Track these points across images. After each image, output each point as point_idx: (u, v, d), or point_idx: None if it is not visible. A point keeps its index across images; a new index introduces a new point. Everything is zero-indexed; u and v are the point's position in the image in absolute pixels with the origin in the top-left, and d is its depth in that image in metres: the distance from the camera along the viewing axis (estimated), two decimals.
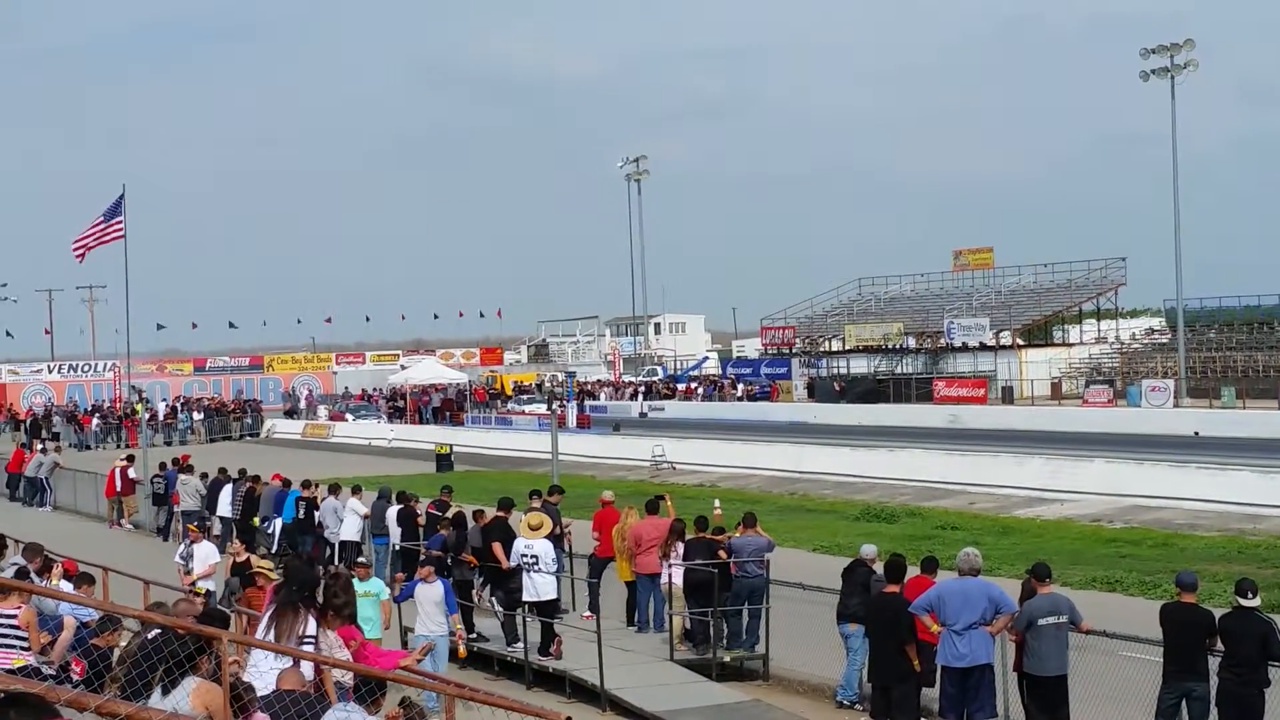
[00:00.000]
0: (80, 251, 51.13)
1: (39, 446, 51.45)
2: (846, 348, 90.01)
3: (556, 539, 21.58)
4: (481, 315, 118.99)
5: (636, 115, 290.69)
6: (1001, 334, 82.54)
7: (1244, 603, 13.83)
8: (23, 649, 13.14)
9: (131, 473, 39.81)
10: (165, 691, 9.55)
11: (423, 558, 18.40)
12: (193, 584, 21.83)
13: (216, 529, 33.80)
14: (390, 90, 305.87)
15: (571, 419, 69.87)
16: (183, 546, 23.74)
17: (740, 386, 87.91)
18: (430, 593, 18.21)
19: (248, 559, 21.85)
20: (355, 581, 17.08)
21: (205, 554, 22.83)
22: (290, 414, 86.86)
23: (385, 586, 18.72)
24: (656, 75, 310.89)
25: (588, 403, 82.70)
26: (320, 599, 12.95)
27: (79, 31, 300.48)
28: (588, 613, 21.32)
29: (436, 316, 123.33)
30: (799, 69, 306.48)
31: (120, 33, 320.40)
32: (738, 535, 20.32)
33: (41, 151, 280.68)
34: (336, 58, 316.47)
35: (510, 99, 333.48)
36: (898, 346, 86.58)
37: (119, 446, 67.74)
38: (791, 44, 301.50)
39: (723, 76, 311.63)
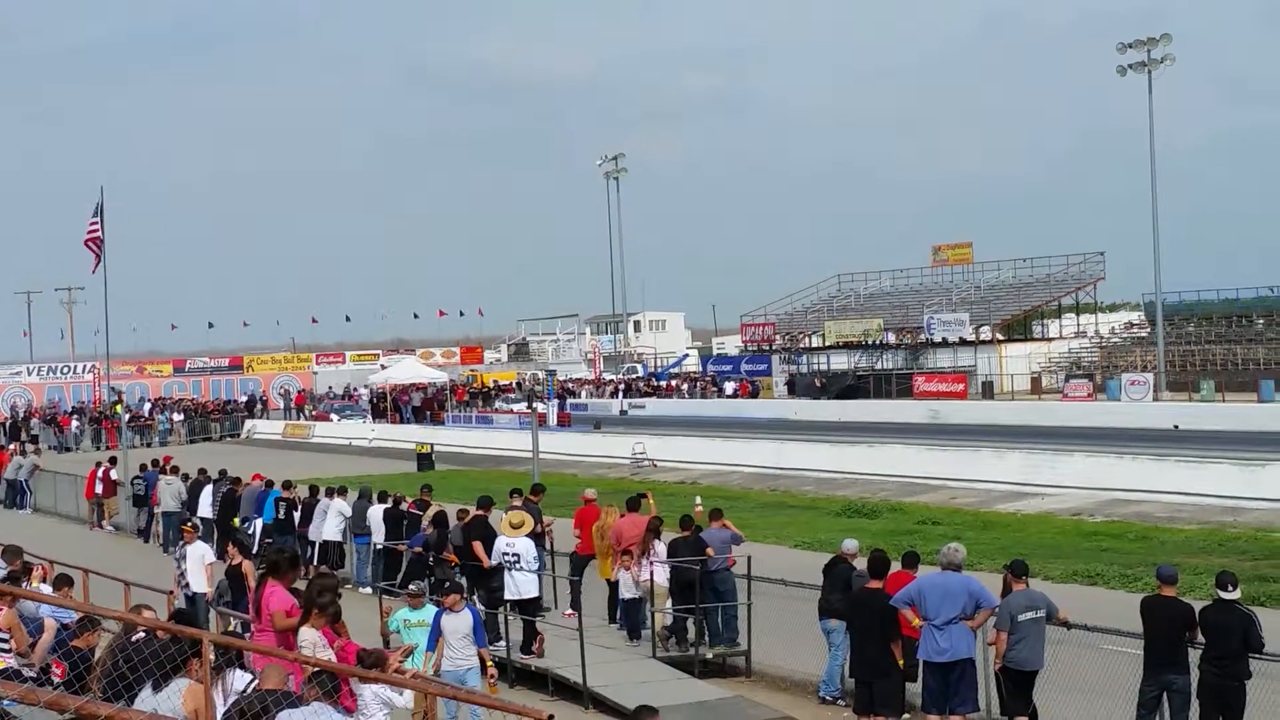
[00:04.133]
0: (95, 267, 51.12)
1: (14, 447, 51.34)
2: (827, 344, 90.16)
3: (538, 537, 21.60)
4: (462, 314, 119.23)
5: (615, 114, 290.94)
6: (981, 329, 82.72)
7: (1224, 595, 13.87)
8: (4, 651, 13.12)
9: (113, 474, 39.68)
10: (156, 688, 9.59)
11: (416, 588, 17.31)
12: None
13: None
14: (370, 91, 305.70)
15: (552, 417, 69.84)
16: (176, 549, 23.62)
17: (730, 384, 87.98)
18: (457, 623, 16.01)
19: (240, 562, 21.77)
20: (408, 611, 16.30)
21: (200, 554, 22.61)
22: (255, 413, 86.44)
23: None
24: (635, 75, 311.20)
25: (568, 401, 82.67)
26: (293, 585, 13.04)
27: (62, 34, 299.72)
28: (570, 610, 21.31)
29: (416, 316, 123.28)
30: (779, 68, 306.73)
31: (100, 35, 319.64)
32: (705, 530, 20.44)
33: (21, 153, 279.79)
34: (316, 58, 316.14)
35: (490, 99, 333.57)
36: (878, 342, 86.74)
37: (98, 448, 67.61)
38: (771, 43, 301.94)
39: (703, 76, 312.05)
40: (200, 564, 22.29)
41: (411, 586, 17.05)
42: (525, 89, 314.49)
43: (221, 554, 29.59)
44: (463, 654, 15.97)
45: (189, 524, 25.07)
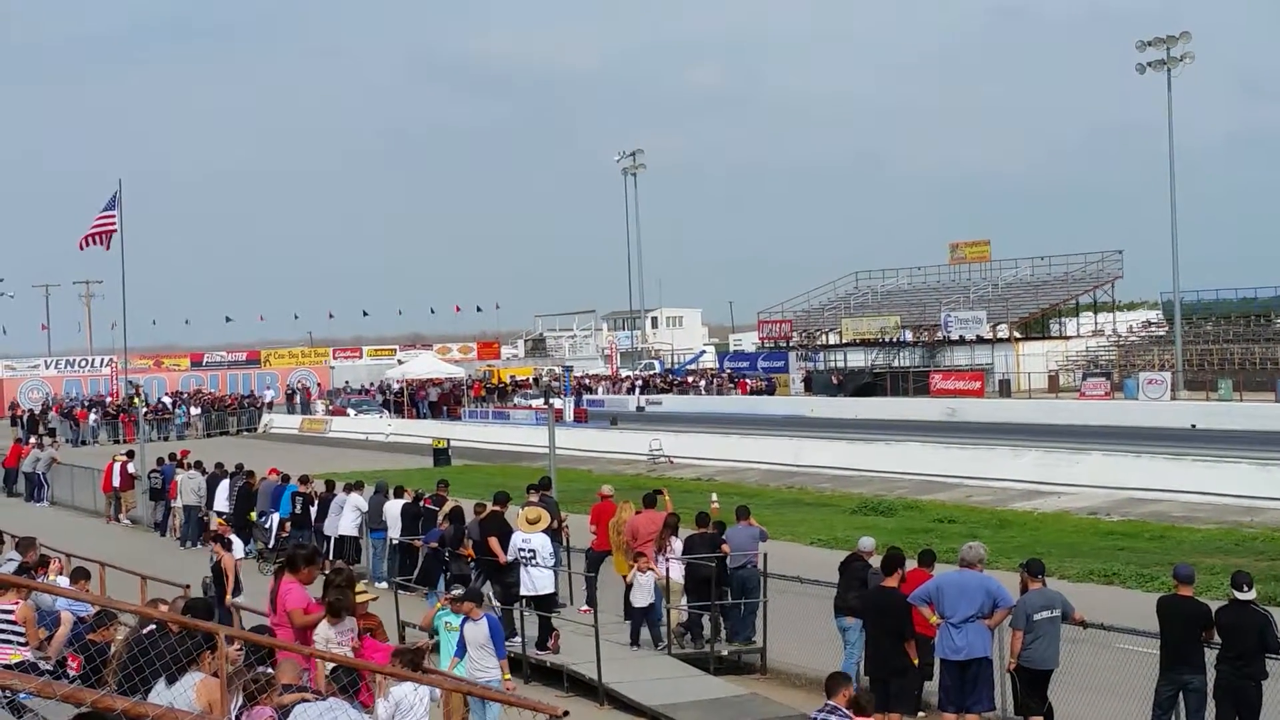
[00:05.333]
0: (84, 242, 51.29)
1: (34, 441, 51.48)
2: (843, 341, 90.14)
3: (554, 533, 21.61)
4: (479, 309, 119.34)
5: (633, 108, 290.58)
6: (998, 327, 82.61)
7: (1240, 596, 13.85)
8: (20, 644, 13.16)
9: (130, 468, 39.76)
10: (170, 682, 9.61)
11: (460, 592, 16.72)
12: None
13: (213, 524, 33.88)
14: (386, 85, 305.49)
15: (569, 413, 69.89)
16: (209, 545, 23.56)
17: (748, 382, 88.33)
18: (474, 632, 15.21)
19: (221, 558, 21.63)
20: (449, 614, 15.72)
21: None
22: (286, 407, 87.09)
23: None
24: (653, 68, 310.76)
25: (585, 397, 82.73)
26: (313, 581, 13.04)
27: (75, 27, 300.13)
28: (585, 607, 21.32)
29: (433, 311, 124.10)
30: (796, 62, 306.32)
31: (115, 28, 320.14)
32: (731, 527, 20.44)
33: (38, 147, 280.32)
34: (331, 52, 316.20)
35: (507, 93, 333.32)
36: (895, 340, 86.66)
37: (115, 441, 67.81)
38: (788, 37, 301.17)
39: (719, 70, 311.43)
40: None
41: (455, 591, 16.51)
42: (537, 83, 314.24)
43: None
44: (481, 665, 15.17)
45: (221, 519, 25.06)
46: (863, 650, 16.74)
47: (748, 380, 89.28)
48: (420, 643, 14.87)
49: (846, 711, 11.91)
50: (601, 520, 22.98)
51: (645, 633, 20.64)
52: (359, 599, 14.20)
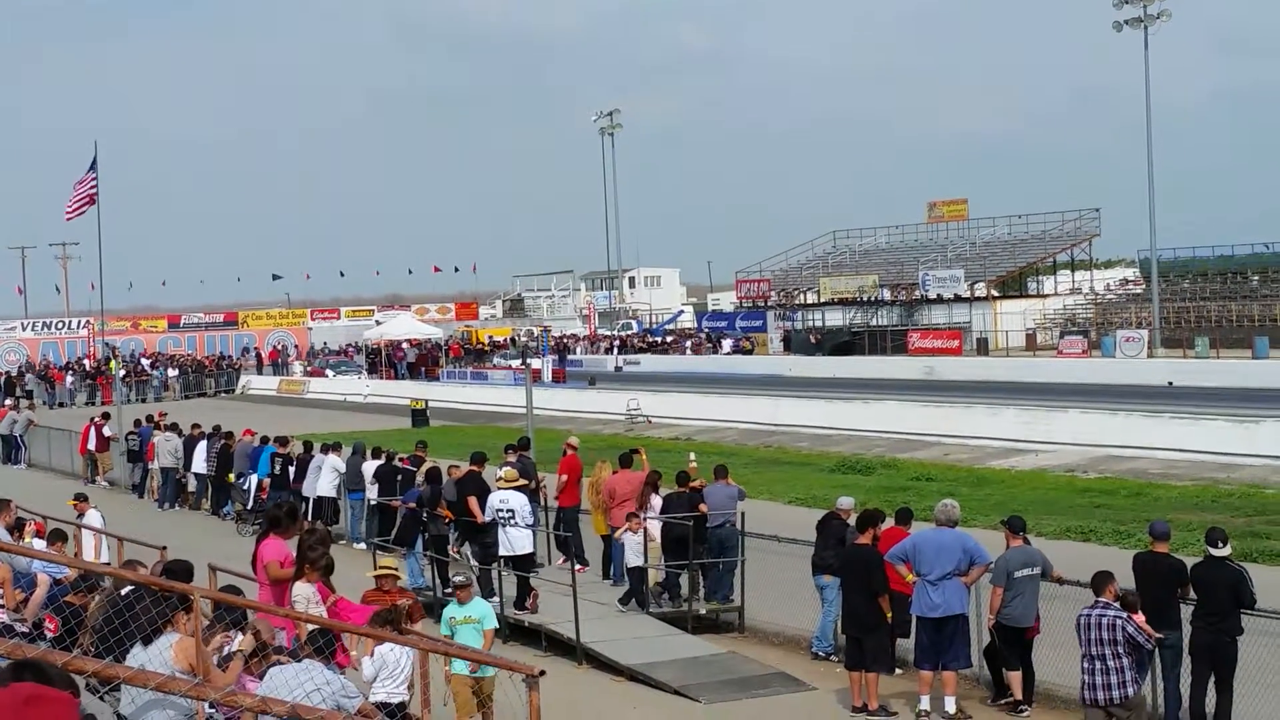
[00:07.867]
0: (71, 215, 51.10)
1: (9, 403, 51.27)
2: (822, 300, 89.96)
3: (532, 493, 21.60)
4: (456, 270, 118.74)
5: (613, 69, 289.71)
6: (976, 285, 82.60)
7: (1215, 552, 13.89)
8: None
9: (107, 430, 39.59)
10: (146, 643, 9.60)
11: (461, 579, 15.79)
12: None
13: (191, 485, 33.84)
14: (365, 46, 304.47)
15: (547, 373, 69.77)
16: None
17: (727, 342, 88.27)
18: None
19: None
20: (455, 607, 14.66)
21: (89, 522, 21.86)
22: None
23: (491, 612, 14.98)
24: (633, 30, 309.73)
25: (563, 357, 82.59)
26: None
27: None
28: (580, 565, 21.29)
29: (411, 271, 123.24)
30: (775, 23, 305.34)
31: None
32: (709, 485, 20.43)
33: (12, 108, 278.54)
34: (311, 13, 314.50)
35: (486, 54, 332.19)
36: (873, 299, 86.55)
37: (92, 403, 67.61)
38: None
39: (700, 31, 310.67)
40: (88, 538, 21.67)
41: (458, 579, 15.44)
42: (520, 44, 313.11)
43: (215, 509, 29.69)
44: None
45: (74, 497, 24.46)
46: (840, 608, 16.78)
47: (704, 341, 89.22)
48: (400, 601, 14.85)
49: (1116, 606, 12.98)
50: (571, 474, 23.04)
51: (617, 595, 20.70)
52: (383, 573, 14.21)
